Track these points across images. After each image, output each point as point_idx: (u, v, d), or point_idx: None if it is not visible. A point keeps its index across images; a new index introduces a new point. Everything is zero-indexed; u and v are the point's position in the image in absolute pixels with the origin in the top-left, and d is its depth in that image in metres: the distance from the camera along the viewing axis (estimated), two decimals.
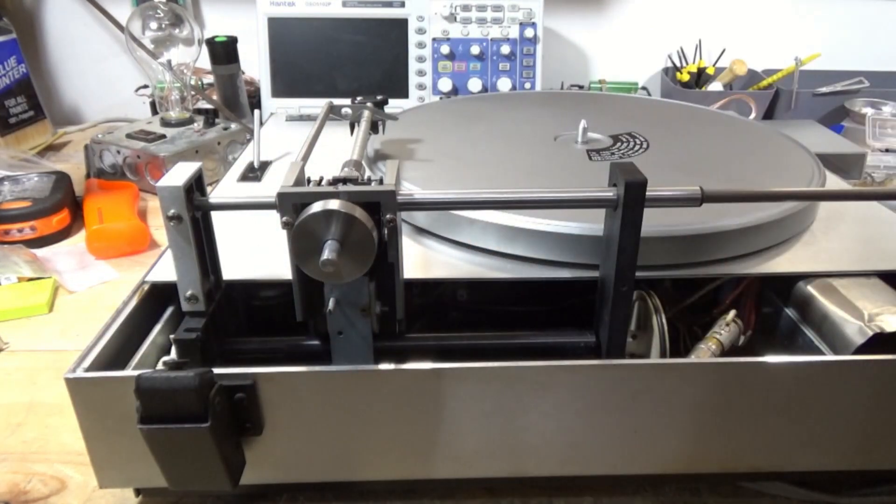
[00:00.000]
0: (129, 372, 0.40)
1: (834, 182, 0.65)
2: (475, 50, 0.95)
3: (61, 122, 1.18)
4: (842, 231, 0.53)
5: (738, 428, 0.41)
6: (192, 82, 0.97)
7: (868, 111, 1.01)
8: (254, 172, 0.66)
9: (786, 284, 0.48)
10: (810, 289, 0.46)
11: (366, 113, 0.59)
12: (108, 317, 0.43)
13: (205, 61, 0.99)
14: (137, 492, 0.43)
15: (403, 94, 0.95)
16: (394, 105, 0.69)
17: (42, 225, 0.75)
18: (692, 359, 0.45)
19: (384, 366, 0.39)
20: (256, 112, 0.70)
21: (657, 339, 0.44)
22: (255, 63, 0.95)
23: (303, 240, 0.35)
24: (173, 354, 0.43)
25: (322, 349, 0.43)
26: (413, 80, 0.95)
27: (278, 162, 0.69)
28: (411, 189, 0.51)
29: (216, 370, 0.37)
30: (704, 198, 0.39)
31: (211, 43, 0.97)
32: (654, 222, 0.43)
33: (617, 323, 0.41)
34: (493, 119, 0.70)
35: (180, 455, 0.35)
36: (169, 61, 0.92)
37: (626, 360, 0.43)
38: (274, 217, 0.37)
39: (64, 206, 0.77)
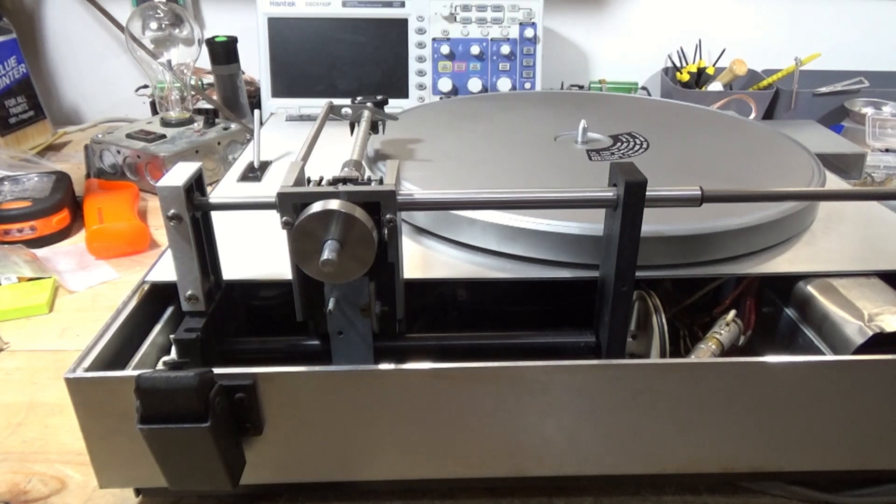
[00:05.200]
0: (129, 372, 0.40)
1: (834, 182, 0.65)
2: (475, 50, 0.95)
3: (61, 122, 1.18)
4: (842, 231, 0.53)
5: (738, 428, 0.41)
6: (192, 82, 0.97)
7: (868, 111, 1.01)
8: (254, 172, 0.66)
9: (786, 284, 0.48)
10: (810, 289, 0.46)
11: (366, 113, 0.59)
12: (108, 317, 0.43)
13: (205, 61, 0.99)
14: (137, 492, 0.43)
15: (403, 94, 0.95)
16: (394, 105, 0.69)
17: (42, 225, 0.75)
18: (692, 359, 0.45)
19: (384, 366, 0.39)
20: (256, 112, 0.70)
21: (657, 339, 0.44)
22: (255, 63, 0.96)
23: (303, 240, 0.35)
24: (173, 354, 0.43)
25: (322, 349, 0.43)
26: (413, 80, 0.95)
27: (278, 162, 0.69)
28: (411, 189, 0.51)
29: (216, 370, 0.37)
30: (704, 198, 0.39)
31: (211, 43, 0.97)
32: (654, 222, 0.43)
33: (617, 323, 0.41)
34: (493, 119, 0.70)
35: (180, 455, 0.35)
36: (169, 61, 0.92)
37: (626, 360, 0.43)
38: (274, 217, 0.37)
39: (64, 206, 0.77)
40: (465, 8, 0.94)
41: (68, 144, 1.09)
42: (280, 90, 0.94)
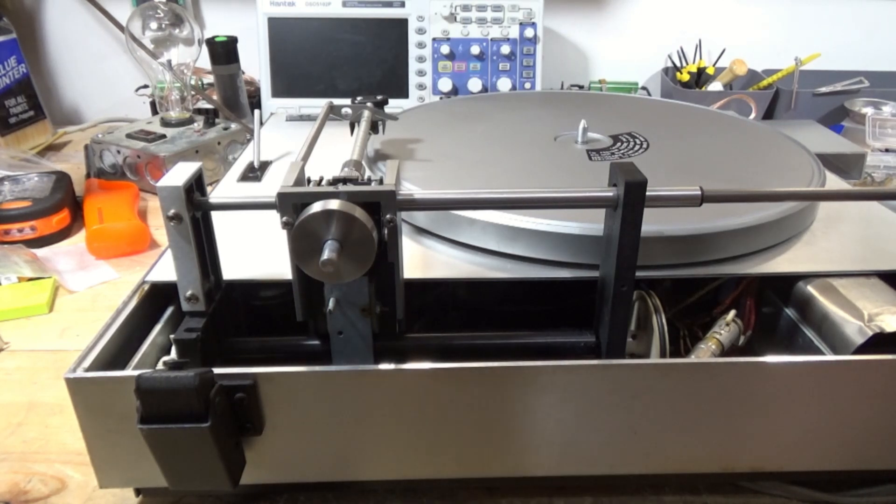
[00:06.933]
0: (129, 372, 0.40)
1: (834, 182, 0.65)
2: (475, 50, 0.95)
3: (61, 122, 1.18)
4: (842, 231, 0.53)
5: (738, 428, 0.41)
6: (192, 82, 0.97)
7: (868, 111, 1.01)
8: (254, 172, 0.66)
9: (786, 284, 0.48)
10: (810, 289, 0.46)
11: (366, 113, 0.59)
12: (108, 317, 0.43)
13: (205, 61, 0.99)
14: (137, 492, 0.43)
15: (403, 94, 0.95)
16: (394, 105, 0.69)
17: (42, 225, 0.75)
18: (692, 359, 0.45)
19: (384, 366, 0.39)
20: (256, 112, 0.70)
21: (657, 339, 0.44)
22: (255, 63, 0.96)
23: (303, 240, 0.35)
24: (173, 354, 0.43)
25: (322, 349, 0.43)
26: (413, 80, 0.95)
27: (278, 162, 0.69)
28: (411, 189, 0.51)
29: (216, 370, 0.37)
30: (704, 198, 0.39)
31: (211, 43, 0.97)
32: (655, 222, 0.43)
33: (617, 323, 0.41)
34: (493, 119, 0.70)
35: (180, 455, 0.35)
36: (169, 61, 0.92)
37: (626, 360, 0.43)
38: (274, 217, 0.37)
39: (64, 205, 0.77)
40: (465, 8, 0.94)
41: (68, 144, 1.09)
42: (280, 90, 0.94)
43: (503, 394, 0.39)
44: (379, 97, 0.62)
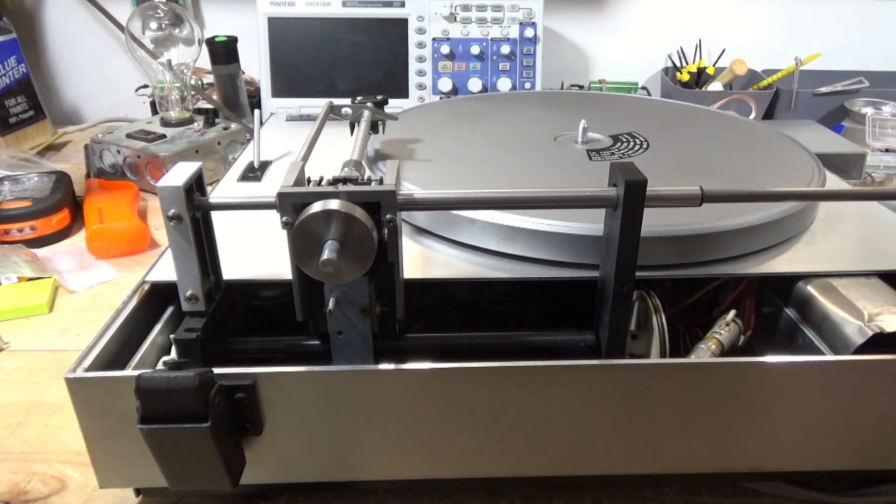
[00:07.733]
0: (129, 372, 0.40)
1: (834, 182, 0.65)
2: (475, 50, 0.95)
3: (61, 122, 1.18)
4: (842, 231, 0.53)
5: (738, 428, 0.41)
6: (192, 82, 0.97)
7: (868, 111, 1.01)
8: (254, 172, 0.66)
9: (786, 284, 0.48)
10: (810, 289, 0.46)
11: (366, 113, 0.59)
12: (108, 317, 0.43)
13: (205, 61, 0.99)
14: (137, 492, 0.43)
15: (403, 94, 0.95)
16: (394, 105, 0.69)
17: (42, 225, 0.75)
18: (692, 359, 0.45)
19: (384, 366, 0.39)
20: (256, 112, 0.69)
21: (657, 339, 0.44)
22: (255, 63, 0.96)
23: (303, 240, 0.35)
24: (173, 354, 0.43)
25: (322, 349, 0.43)
26: (413, 80, 0.95)
27: (278, 162, 0.69)
28: (411, 189, 0.51)
29: (216, 370, 0.37)
30: (704, 198, 0.39)
31: (211, 43, 0.97)
32: (654, 222, 0.43)
33: (617, 323, 0.41)
34: (493, 119, 0.70)
35: (180, 455, 0.35)
36: (169, 61, 0.92)
37: (626, 360, 0.43)
38: (274, 217, 0.37)
39: (64, 205, 0.77)
40: (465, 8, 0.94)
41: (68, 144, 1.09)
42: (280, 90, 0.94)
43: (503, 394, 0.39)
44: (379, 97, 0.62)
